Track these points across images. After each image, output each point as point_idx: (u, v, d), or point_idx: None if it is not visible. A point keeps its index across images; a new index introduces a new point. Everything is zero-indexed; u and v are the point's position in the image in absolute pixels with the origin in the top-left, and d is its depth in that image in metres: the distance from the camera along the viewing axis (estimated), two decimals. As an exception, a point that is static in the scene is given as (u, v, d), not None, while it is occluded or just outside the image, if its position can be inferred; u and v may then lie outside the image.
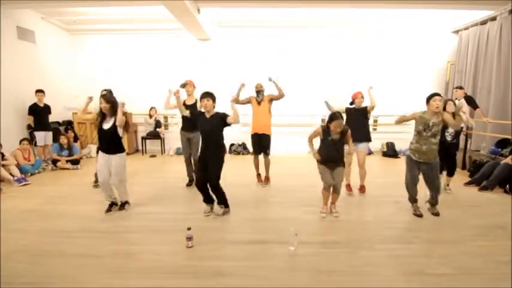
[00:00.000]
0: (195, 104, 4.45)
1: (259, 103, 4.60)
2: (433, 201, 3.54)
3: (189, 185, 4.68)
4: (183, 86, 4.58)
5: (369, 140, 4.31)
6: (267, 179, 4.86)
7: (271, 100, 4.65)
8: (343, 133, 3.31)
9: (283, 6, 6.01)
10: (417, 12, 6.65)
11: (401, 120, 3.55)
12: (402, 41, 7.51)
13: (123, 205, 3.68)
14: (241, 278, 2.24)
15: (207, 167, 3.36)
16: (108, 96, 3.53)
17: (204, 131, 3.43)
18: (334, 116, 3.23)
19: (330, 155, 3.40)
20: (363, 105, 4.27)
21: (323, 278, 2.24)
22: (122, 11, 6.54)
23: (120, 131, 3.49)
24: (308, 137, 3.57)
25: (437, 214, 3.49)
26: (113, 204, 3.63)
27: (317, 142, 3.48)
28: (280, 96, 4.61)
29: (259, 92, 4.62)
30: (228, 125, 3.40)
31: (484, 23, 6.16)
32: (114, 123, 3.45)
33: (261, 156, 4.76)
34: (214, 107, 3.44)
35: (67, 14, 6.74)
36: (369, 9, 6.32)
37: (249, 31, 7.52)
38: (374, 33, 7.45)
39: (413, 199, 3.60)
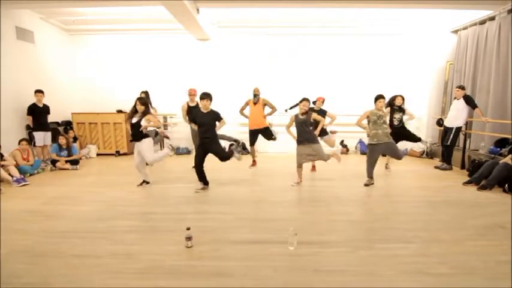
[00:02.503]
0: (197, 106, 5.42)
1: (254, 104, 5.66)
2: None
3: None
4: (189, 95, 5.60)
5: (326, 133, 5.69)
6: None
7: (265, 104, 5.72)
8: (308, 114, 4.53)
9: (283, 6, 6.02)
10: (416, 12, 6.67)
11: (361, 120, 4.68)
12: (401, 41, 7.52)
13: (143, 183, 4.70)
14: (241, 278, 2.24)
15: (207, 152, 4.37)
16: (143, 100, 4.42)
17: (202, 123, 4.31)
18: (303, 99, 4.54)
19: (302, 133, 4.56)
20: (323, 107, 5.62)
21: (323, 278, 2.24)
22: (121, 11, 6.55)
23: (143, 122, 4.36)
24: (286, 127, 4.70)
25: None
26: (144, 182, 4.66)
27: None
28: (273, 112, 5.77)
29: (255, 95, 5.64)
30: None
31: (482, 22, 6.16)
32: (141, 119, 4.35)
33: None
34: (210, 104, 4.35)
35: (66, 14, 6.74)
36: (368, 9, 6.33)
37: (248, 31, 7.52)
38: (373, 33, 7.46)
39: (370, 176, 4.72)
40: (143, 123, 4.34)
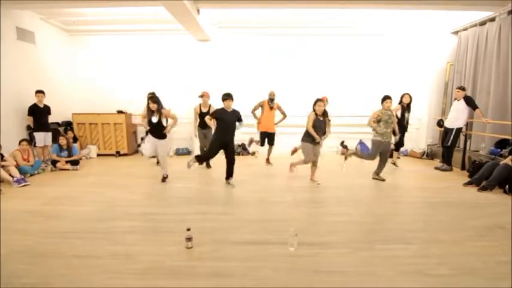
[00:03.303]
0: (209, 111, 5.57)
1: (271, 108, 5.87)
2: (379, 171, 5.09)
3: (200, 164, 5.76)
4: (201, 96, 5.67)
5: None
6: (268, 160, 6.30)
7: (278, 108, 5.97)
8: (325, 114, 4.61)
9: (283, 6, 6.02)
10: (416, 13, 6.67)
11: (373, 120, 4.80)
12: (401, 42, 7.53)
13: (164, 179, 4.92)
14: (241, 279, 2.24)
15: (226, 147, 4.56)
16: (155, 98, 4.63)
17: (228, 121, 4.52)
18: (317, 100, 4.57)
19: (319, 134, 4.57)
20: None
21: (323, 279, 2.24)
22: (121, 12, 6.55)
23: (164, 122, 4.73)
24: (309, 126, 4.56)
25: (384, 179, 5.02)
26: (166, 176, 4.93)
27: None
28: (284, 119, 6.08)
29: (272, 99, 5.85)
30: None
31: (483, 23, 6.16)
32: (160, 118, 4.64)
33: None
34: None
35: (66, 14, 6.75)
36: (369, 10, 6.33)
37: (249, 32, 7.53)
38: (373, 33, 7.46)
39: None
40: (167, 127, 4.75)
